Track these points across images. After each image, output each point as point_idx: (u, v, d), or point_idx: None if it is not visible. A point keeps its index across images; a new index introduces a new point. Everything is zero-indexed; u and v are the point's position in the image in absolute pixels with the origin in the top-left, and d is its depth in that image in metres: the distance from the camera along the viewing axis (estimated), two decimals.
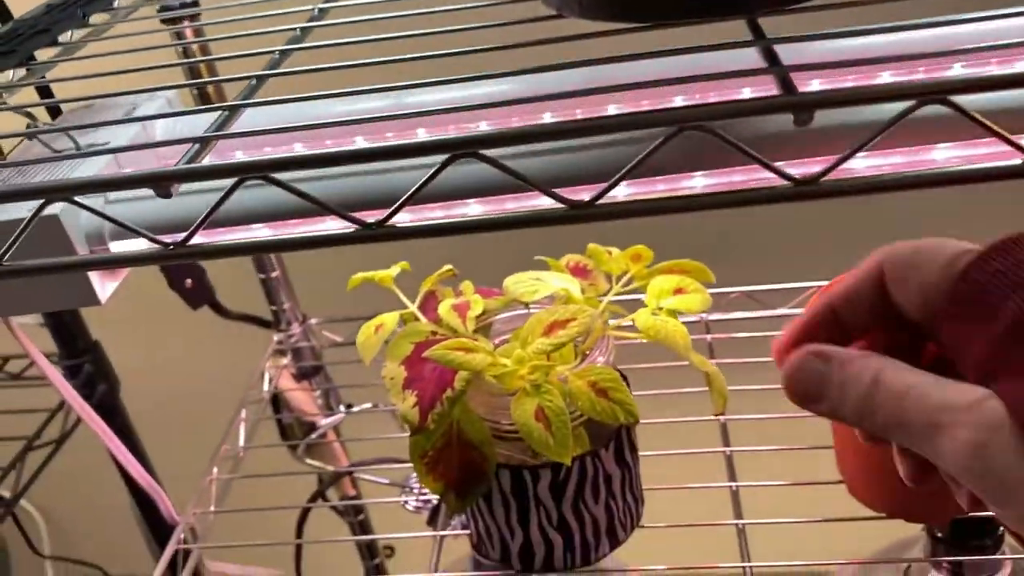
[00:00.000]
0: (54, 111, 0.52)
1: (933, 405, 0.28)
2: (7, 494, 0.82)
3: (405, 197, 0.26)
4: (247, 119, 0.36)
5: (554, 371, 0.44)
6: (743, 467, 0.59)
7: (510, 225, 0.25)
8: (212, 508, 0.62)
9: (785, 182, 0.25)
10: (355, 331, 0.79)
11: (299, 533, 0.77)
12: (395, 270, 0.53)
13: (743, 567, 0.51)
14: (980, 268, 0.28)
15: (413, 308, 0.52)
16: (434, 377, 0.46)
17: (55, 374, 0.56)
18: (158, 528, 0.97)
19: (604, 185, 0.26)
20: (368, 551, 0.94)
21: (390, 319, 0.51)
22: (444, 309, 0.49)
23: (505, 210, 0.29)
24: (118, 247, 0.45)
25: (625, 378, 0.52)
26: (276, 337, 0.79)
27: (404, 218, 0.27)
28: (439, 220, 0.26)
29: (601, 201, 0.26)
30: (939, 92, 0.24)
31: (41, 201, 0.27)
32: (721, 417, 0.62)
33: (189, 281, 0.65)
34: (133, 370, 0.94)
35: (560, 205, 0.25)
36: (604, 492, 0.49)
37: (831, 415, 0.31)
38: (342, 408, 0.80)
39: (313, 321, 0.81)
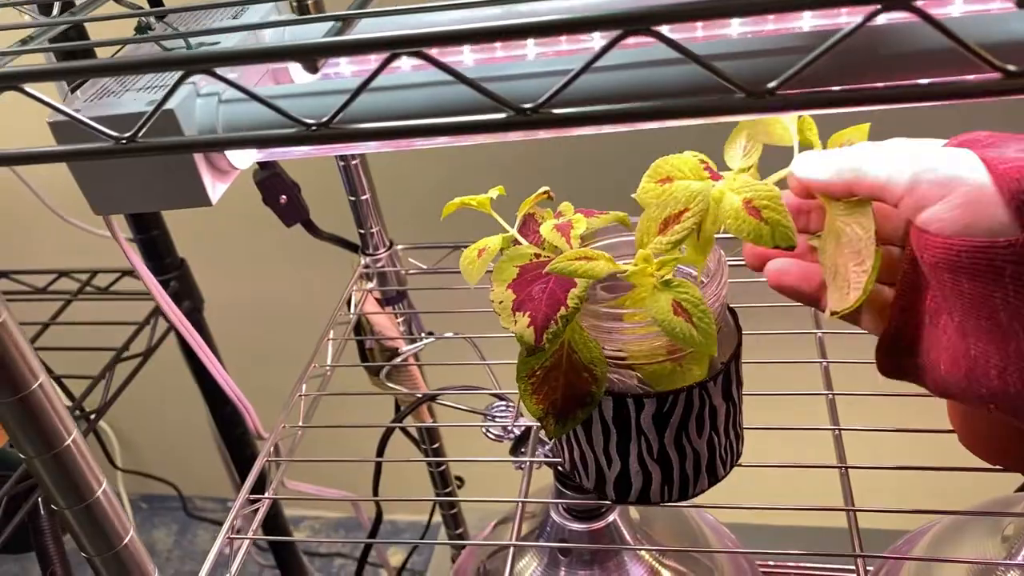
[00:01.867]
0: (158, 18, 0.51)
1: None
2: (88, 409, 0.83)
3: (567, 79, 0.24)
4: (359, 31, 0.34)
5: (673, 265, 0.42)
6: (844, 414, 0.57)
7: (687, 113, 0.23)
8: (300, 423, 0.62)
9: (996, 74, 0.22)
10: (438, 259, 0.79)
11: (380, 454, 0.77)
12: (493, 193, 0.51)
13: (847, 510, 0.49)
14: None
15: (513, 232, 0.50)
16: (544, 297, 0.44)
17: (155, 284, 0.56)
18: (236, 446, 0.99)
19: (786, 73, 0.23)
20: (441, 479, 0.95)
21: (493, 242, 0.49)
22: (547, 229, 0.48)
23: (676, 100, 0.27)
24: (231, 152, 0.44)
25: (733, 313, 0.50)
26: (363, 261, 0.78)
27: None
28: (603, 108, 0.24)
29: (783, 91, 0.23)
30: None
31: (181, 73, 0.26)
32: (823, 361, 0.60)
33: (284, 198, 0.65)
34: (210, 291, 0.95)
35: (739, 92, 0.23)
36: (708, 426, 0.47)
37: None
38: (423, 335, 0.79)
39: (399, 247, 0.80)
